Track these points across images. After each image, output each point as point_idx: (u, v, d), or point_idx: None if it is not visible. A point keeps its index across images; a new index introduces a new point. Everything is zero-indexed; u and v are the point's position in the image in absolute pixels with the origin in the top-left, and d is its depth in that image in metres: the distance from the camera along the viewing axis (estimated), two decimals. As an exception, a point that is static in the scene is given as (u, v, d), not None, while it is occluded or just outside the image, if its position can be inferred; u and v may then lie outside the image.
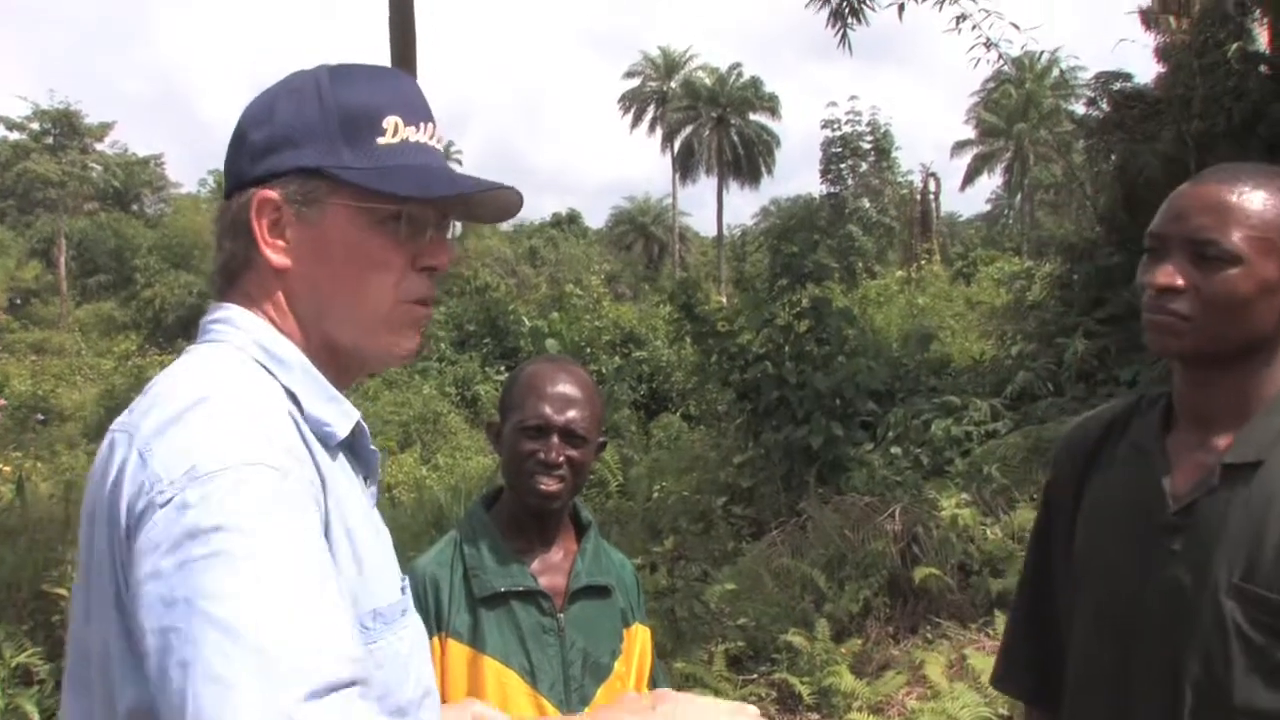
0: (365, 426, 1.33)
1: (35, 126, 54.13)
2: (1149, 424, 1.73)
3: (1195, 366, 1.65)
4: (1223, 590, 1.54)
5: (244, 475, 1.08)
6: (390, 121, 1.30)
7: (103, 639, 1.15)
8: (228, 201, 1.31)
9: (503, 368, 19.10)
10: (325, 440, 1.25)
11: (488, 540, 2.18)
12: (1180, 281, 1.59)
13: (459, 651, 2.09)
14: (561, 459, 2.13)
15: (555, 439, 2.13)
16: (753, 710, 1.25)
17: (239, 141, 1.32)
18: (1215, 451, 1.62)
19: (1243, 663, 1.52)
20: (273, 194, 1.27)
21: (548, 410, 2.15)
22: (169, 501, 1.07)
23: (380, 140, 1.29)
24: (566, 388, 2.18)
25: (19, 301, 42.49)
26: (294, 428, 1.19)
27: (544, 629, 2.13)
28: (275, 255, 1.28)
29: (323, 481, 1.19)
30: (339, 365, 1.33)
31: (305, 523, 1.11)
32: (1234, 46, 11.01)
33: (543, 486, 2.14)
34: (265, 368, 1.24)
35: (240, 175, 1.30)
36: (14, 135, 54.26)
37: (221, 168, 1.37)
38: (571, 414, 2.15)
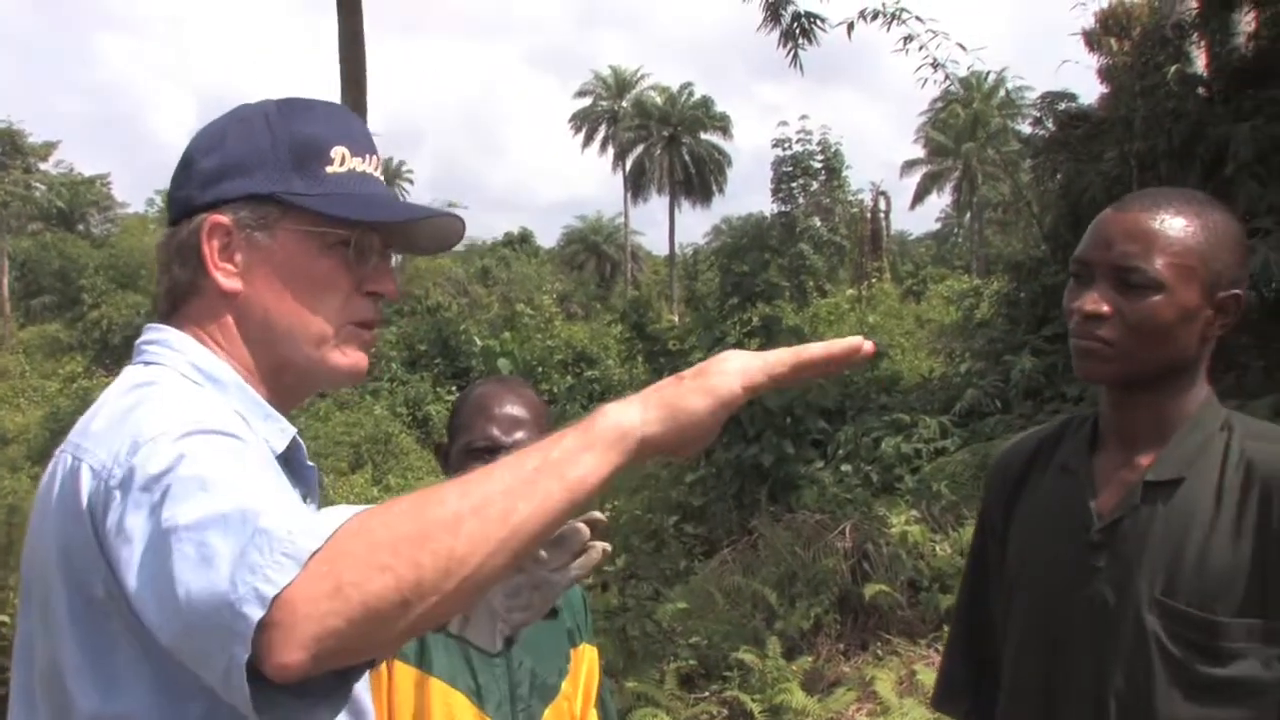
0: (302, 443, 1.35)
1: None
2: (1077, 445, 1.75)
3: (1120, 389, 1.68)
4: (1145, 605, 1.57)
5: (190, 441, 1.10)
6: (338, 151, 1.33)
7: (51, 655, 1.17)
8: (174, 228, 1.32)
9: (454, 388, 19.01)
10: None
11: None
12: (1105, 308, 1.61)
13: (406, 673, 2.09)
14: None
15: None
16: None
17: (186, 168, 1.33)
18: (1138, 470, 1.65)
19: (1164, 676, 1.55)
20: (224, 219, 1.29)
21: (496, 432, 2.15)
22: (120, 481, 1.10)
23: (329, 169, 1.32)
24: (514, 409, 2.18)
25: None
26: (240, 424, 1.21)
27: (490, 651, 2.14)
28: (225, 279, 1.30)
29: None
30: (285, 385, 1.35)
31: (263, 462, 1.15)
32: (1173, 69, 11.21)
33: None
34: (200, 387, 1.26)
35: (188, 201, 1.31)
36: None
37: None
38: (519, 435, 2.15)
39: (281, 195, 1.30)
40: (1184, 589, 1.56)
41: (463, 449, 2.17)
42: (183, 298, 1.32)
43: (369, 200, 1.34)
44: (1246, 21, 11.43)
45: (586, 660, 2.30)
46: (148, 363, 1.29)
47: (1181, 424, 1.65)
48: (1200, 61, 11.83)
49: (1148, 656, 1.56)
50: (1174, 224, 1.61)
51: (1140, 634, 1.57)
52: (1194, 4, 11.76)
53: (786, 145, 44.93)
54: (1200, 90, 11.10)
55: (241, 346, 1.32)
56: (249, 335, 1.32)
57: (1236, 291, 1.63)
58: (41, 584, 1.20)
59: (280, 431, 1.30)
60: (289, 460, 1.32)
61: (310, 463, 1.38)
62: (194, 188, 1.32)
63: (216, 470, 1.06)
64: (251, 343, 1.32)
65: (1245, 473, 1.58)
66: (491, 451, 2.13)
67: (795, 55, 11.73)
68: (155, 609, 1.05)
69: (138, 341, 1.33)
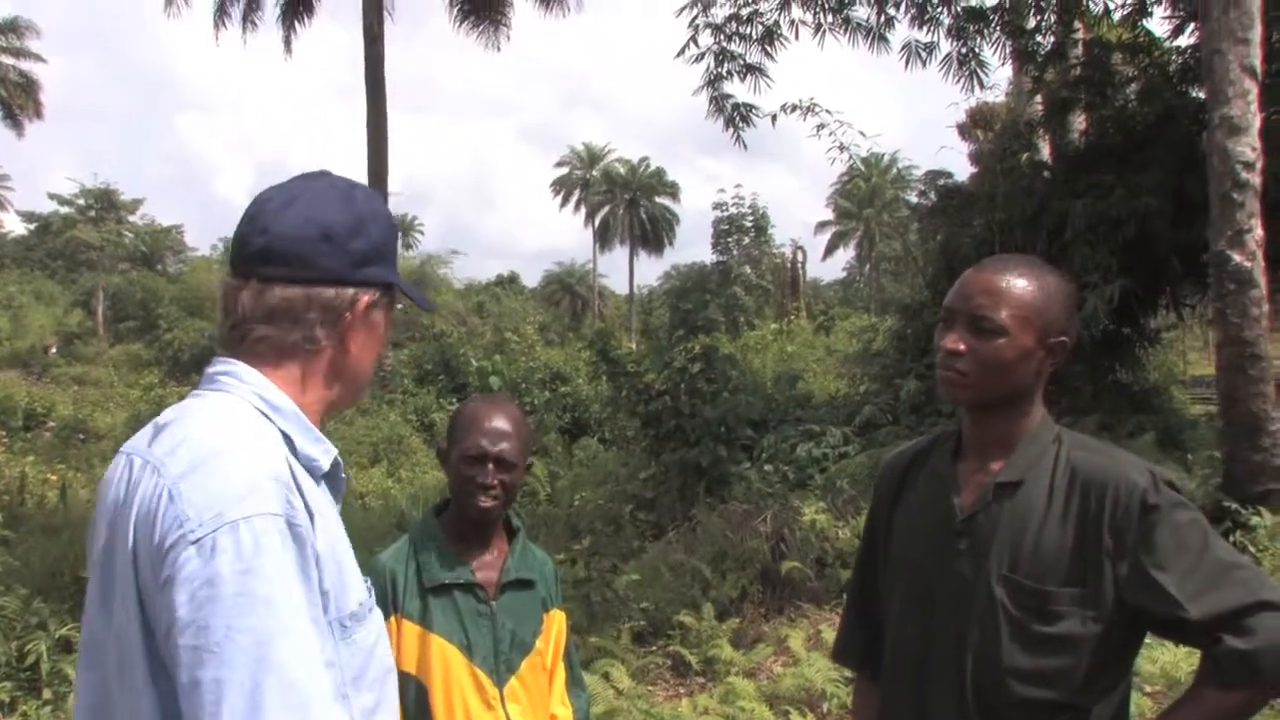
0: (341, 461, 1.35)
1: (81, 202, 54.40)
2: (944, 454, 1.77)
3: (974, 411, 1.71)
4: (994, 579, 1.60)
5: (262, 526, 1.11)
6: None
7: (121, 624, 1.15)
8: (313, 288, 1.28)
9: (454, 400, 18.86)
10: (312, 472, 1.27)
11: (436, 542, 2.19)
12: (962, 347, 1.66)
13: (411, 630, 2.10)
14: (495, 482, 2.14)
15: (490, 466, 2.14)
16: None
17: (332, 244, 1.29)
18: (991, 474, 1.67)
19: (1008, 634, 1.58)
20: (370, 298, 1.32)
21: (484, 443, 2.15)
22: (198, 541, 1.09)
23: None
24: (500, 423, 2.18)
25: (65, 343, 41.71)
26: (289, 471, 1.20)
27: (480, 614, 2.13)
28: (353, 345, 1.32)
29: (310, 512, 1.20)
30: (337, 411, 1.39)
31: (303, 567, 1.15)
32: (1025, 156, 11.43)
33: (481, 503, 2.15)
34: (264, 414, 1.25)
35: (338, 274, 1.29)
36: (65, 209, 54.80)
37: (235, 236, 1.32)
38: (504, 445, 2.16)
39: (395, 284, 1.35)
40: (1023, 567, 1.59)
41: (459, 455, 2.18)
42: (298, 350, 1.29)
43: (421, 291, 1.44)
44: (1080, 121, 11.68)
45: (557, 623, 2.30)
46: (220, 390, 1.27)
47: (1023, 438, 1.68)
48: (1046, 150, 12.06)
49: (996, 619, 1.59)
50: (1017, 284, 1.65)
51: (990, 602, 1.60)
52: (1041, 106, 12.00)
53: (724, 208, 45.21)
54: (1046, 173, 11.31)
55: (322, 389, 1.32)
56: (332, 381, 1.33)
57: (1064, 338, 1.66)
58: (110, 566, 1.18)
59: (325, 453, 1.31)
60: (331, 475, 1.33)
61: (343, 475, 1.38)
62: (345, 263, 1.29)
63: (279, 613, 1.09)
64: (331, 387, 1.33)
65: (1070, 475, 1.62)
66: (481, 459, 2.14)
67: (738, 136, 11.85)
68: (188, 687, 1.06)
69: (210, 370, 1.30)
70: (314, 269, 1.28)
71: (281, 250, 1.27)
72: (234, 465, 1.16)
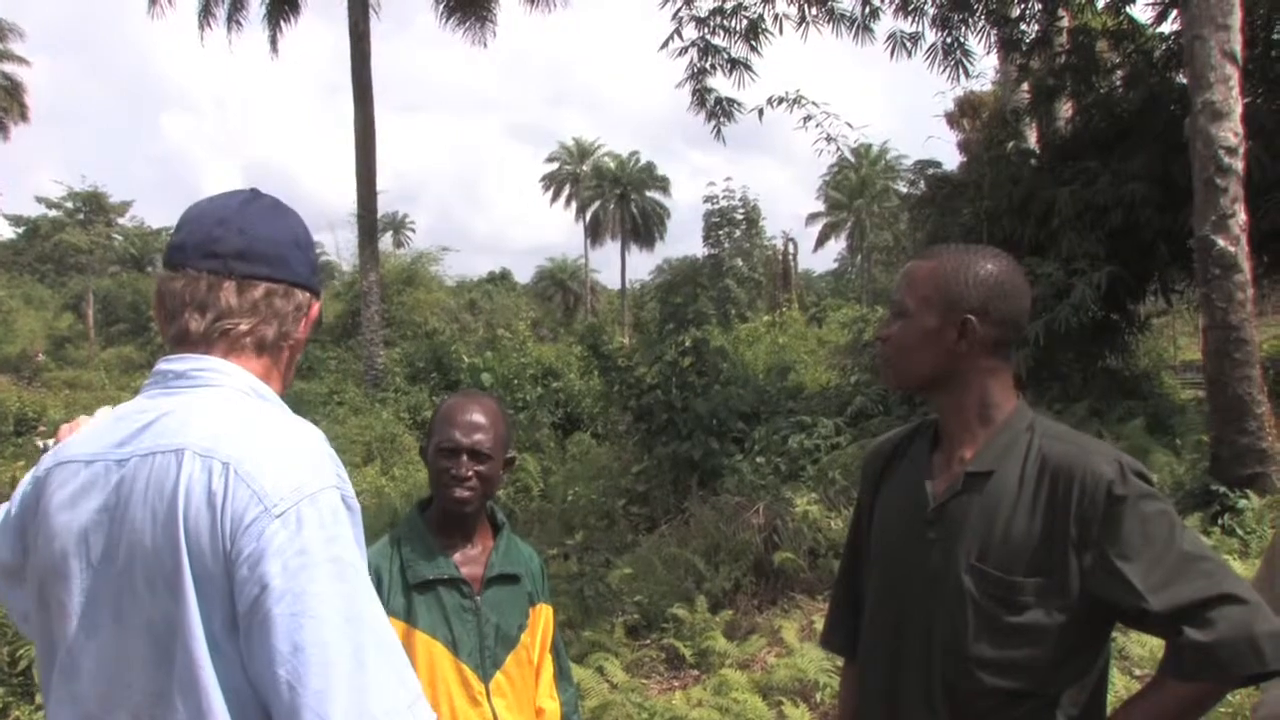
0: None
1: (69, 205, 54.43)
2: (922, 443, 1.78)
3: (921, 396, 1.75)
4: (963, 569, 1.60)
5: (331, 499, 1.19)
6: None
7: (154, 617, 1.17)
8: (292, 289, 1.38)
9: (447, 397, 18.75)
10: None
11: (420, 538, 2.20)
12: (884, 332, 1.74)
13: (396, 626, 2.08)
14: (470, 473, 2.16)
15: (464, 458, 2.16)
16: None
17: (301, 251, 1.40)
18: (963, 463, 1.68)
19: (975, 624, 1.58)
20: (319, 303, 1.44)
21: (458, 435, 2.18)
22: (283, 514, 1.15)
23: None
24: (474, 416, 2.21)
25: (56, 346, 41.55)
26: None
27: (464, 609, 2.14)
28: (301, 345, 1.43)
29: None
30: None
31: (359, 536, 1.23)
32: (1012, 144, 11.44)
33: (455, 494, 2.17)
34: (266, 400, 1.34)
35: (304, 280, 1.40)
36: (53, 212, 54.91)
37: (197, 235, 1.36)
38: (478, 437, 2.18)
39: (317, 290, 1.44)
40: (992, 557, 1.59)
41: (435, 448, 2.21)
42: (269, 344, 1.36)
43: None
44: (1066, 109, 11.70)
45: (543, 618, 2.31)
46: (205, 385, 1.29)
47: (993, 427, 1.68)
48: (1033, 138, 12.08)
49: (964, 608, 1.59)
50: (923, 266, 1.70)
51: (959, 591, 1.60)
52: (1027, 94, 12.02)
53: (715, 201, 45.31)
54: (1033, 161, 11.33)
55: (279, 384, 1.39)
56: (286, 375, 1.42)
57: (971, 317, 1.65)
58: (124, 558, 1.18)
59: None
60: None
61: None
62: (309, 270, 1.41)
63: (356, 579, 1.18)
64: (284, 382, 1.41)
65: (1040, 464, 1.61)
66: (455, 451, 2.16)
67: (719, 130, 11.85)
68: (287, 651, 1.11)
69: (178, 368, 1.31)
70: (289, 271, 1.36)
71: (262, 250, 1.33)
72: (294, 444, 1.23)
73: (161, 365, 1.32)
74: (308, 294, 1.40)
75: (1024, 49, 11.61)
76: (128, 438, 1.25)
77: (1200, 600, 1.47)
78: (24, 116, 40.75)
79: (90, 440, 1.29)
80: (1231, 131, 6.71)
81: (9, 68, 40.61)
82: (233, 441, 1.19)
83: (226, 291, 1.30)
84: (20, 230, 56.57)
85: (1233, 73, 6.74)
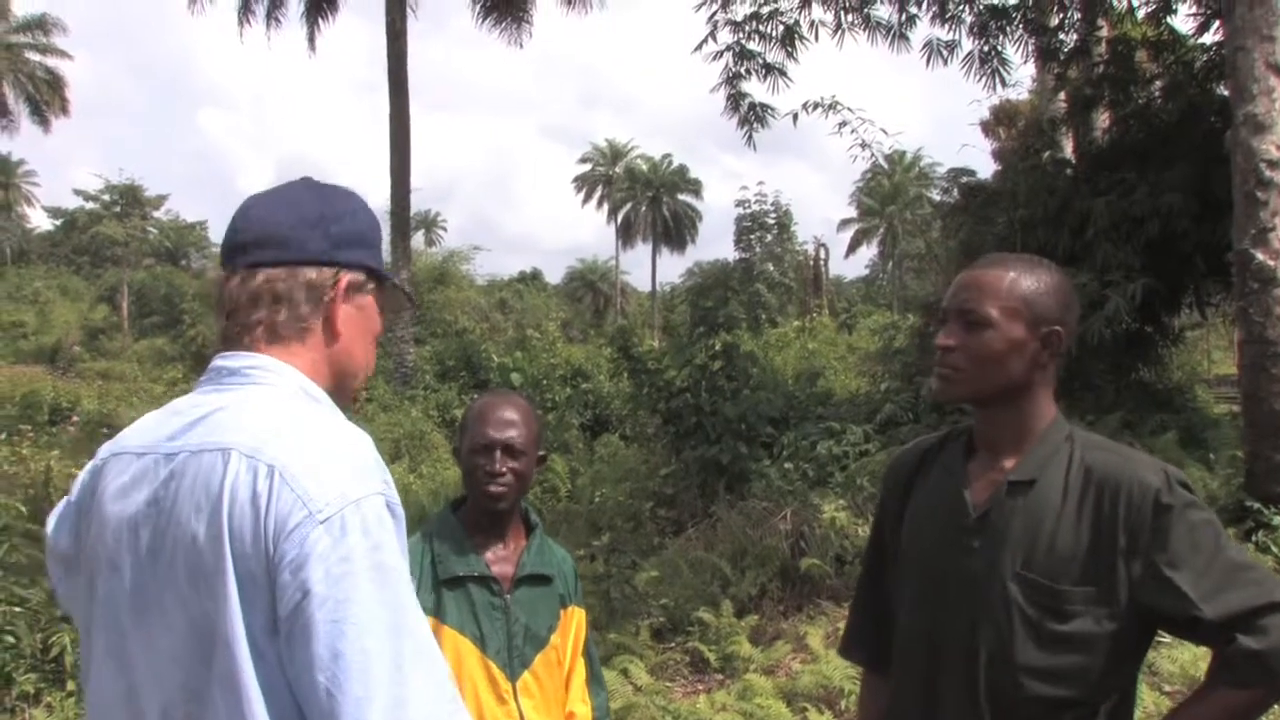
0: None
1: (106, 198, 55.14)
2: (955, 451, 1.77)
3: (978, 407, 1.71)
4: (1008, 577, 1.60)
5: (376, 505, 1.17)
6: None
7: (198, 615, 1.17)
8: (294, 268, 1.32)
9: (476, 396, 18.75)
10: None
11: (452, 535, 2.21)
12: (953, 342, 1.67)
13: (424, 622, 2.13)
14: (504, 469, 2.17)
15: (498, 454, 2.17)
16: None
17: (313, 228, 1.33)
18: (1003, 471, 1.67)
19: (1022, 631, 1.58)
20: (354, 278, 1.36)
21: (491, 432, 2.18)
22: (327, 520, 1.13)
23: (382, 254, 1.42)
24: (506, 413, 2.21)
25: (90, 338, 42.15)
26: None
27: (493, 607, 2.14)
28: (340, 324, 1.35)
29: None
30: (338, 402, 1.41)
31: (402, 543, 1.22)
32: (1047, 154, 11.35)
33: (490, 489, 2.17)
34: (317, 402, 1.32)
35: (320, 254, 1.33)
36: (89, 205, 55.78)
37: (225, 237, 1.37)
38: (510, 433, 2.19)
39: (379, 271, 1.39)
40: (1037, 565, 1.59)
41: (468, 446, 2.21)
42: (290, 331, 1.32)
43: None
44: (1103, 119, 11.59)
45: (575, 619, 2.30)
46: (256, 384, 1.28)
47: (1035, 436, 1.68)
48: (1069, 148, 11.97)
49: (1010, 616, 1.59)
50: (1003, 277, 1.67)
51: (1005, 599, 1.60)
52: (1064, 103, 11.92)
53: (747, 205, 45.20)
54: (1068, 171, 11.24)
55: (326, 375, 1.35)
56: (332, 368, 1.36)
57: (1057, 328, 1.66)
58: (165, 552, 1.19)
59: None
60: None
61: None
62: (329, 244, 1.34)
63: (403, 584, 1.18)
64: (331, 373, 1.36)
65: (1084, 474, 1.61)
66: (488, 448, 2.17)
67: (750, 136, 11.84)
68: (327, 656, 1.10)
69: (231, 364, 1.30)
70: (295, 249, 1.32)
71: (263, 236, 1.32)
72: (341, 448, 1.21)
73: (217, 361, 1.32)
74: (328, 269, 1.33)
75: (1062, 58, 11.51)
76: (178, 431, 1.25)
77: (1252, 608, 1.49)
78: (64, 110, 41.34)
79: (144, 432, 1.30)
80: (1274, 145, 6.62)
81: (51, 61, 41.24)
82: (280, 443, 1.18)
83: (233, 284, 1.31)
84: (58, 222, 57.63)
85: (1276, 85, 6.65)
